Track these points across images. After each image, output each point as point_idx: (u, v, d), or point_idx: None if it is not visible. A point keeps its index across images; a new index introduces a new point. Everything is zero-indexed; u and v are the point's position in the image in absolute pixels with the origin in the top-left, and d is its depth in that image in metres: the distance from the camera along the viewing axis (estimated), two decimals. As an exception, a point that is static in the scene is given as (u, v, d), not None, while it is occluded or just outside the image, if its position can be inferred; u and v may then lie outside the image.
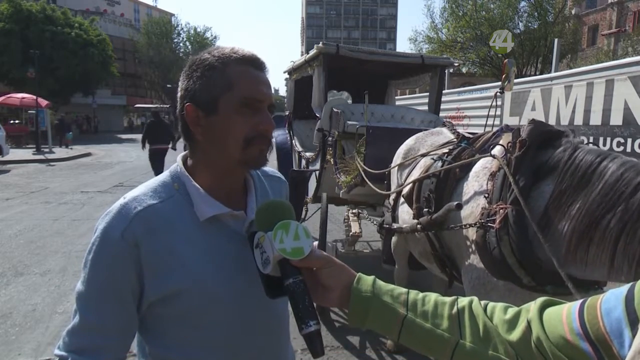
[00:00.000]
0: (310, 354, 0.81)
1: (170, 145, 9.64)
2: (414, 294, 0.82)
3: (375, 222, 3.65)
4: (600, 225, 1.46)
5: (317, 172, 4.64)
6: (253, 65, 0.95)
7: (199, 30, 44.32)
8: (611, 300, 0.63)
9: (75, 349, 0.89)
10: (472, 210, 2.05)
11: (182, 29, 44.52)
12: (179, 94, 0.97)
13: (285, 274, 0.83)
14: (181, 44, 44.35)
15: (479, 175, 2.15)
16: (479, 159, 2.21)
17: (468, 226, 2.00)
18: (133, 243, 0.88)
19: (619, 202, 1.43)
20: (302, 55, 6.17)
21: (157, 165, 9.54)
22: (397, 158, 3.25)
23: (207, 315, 0.93)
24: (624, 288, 0.63)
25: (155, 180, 0.98)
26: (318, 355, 0.80)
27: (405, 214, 2.76)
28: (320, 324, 0.81)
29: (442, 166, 2.41)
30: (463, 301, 0.81)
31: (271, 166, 1.14)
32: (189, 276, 0.90)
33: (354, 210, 5.09)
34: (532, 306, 0.75)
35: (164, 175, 0.99)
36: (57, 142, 21.02)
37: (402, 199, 2.83)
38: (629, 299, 0.60)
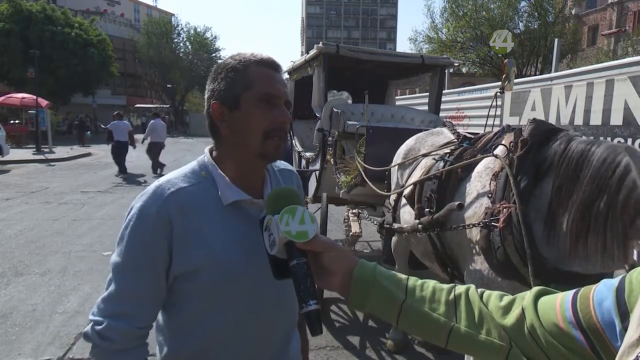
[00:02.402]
0: (311, 332, 0.86)
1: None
2: (413, 280, 0.86)
3: (375, 222, 3.65)
4: (592, 211, 1.50)
5: (317, 172, 4.64)
6: (270, 66, 1.08)
7: (199, 30, 44.19)
8: (603, 290, 0.66)
9: (110, 314, 0.98)
10: (475, 211, 2.05)
11: (182, 29, 44.46)
12: (206, 96, 1.10)
13: (290, 255, 0.87)
14: (181, 44, 44.26)
15: (482, 175, 2.14)
16: (482, 158, 2.20)
17: (471, 226, 2.00)
18: (167, 220, 0.99)
19: (605, 187, 1.47)
20: (302, 55, 6.16)
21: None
22: (398, 158, 3.24)
23: (223, 291, 1.03)
24: (616, 279, 0.65)
25: (185, 168, 1.10)
26: (316, 334, 0.85)
27: (407, 214, 2.76)
28: (319, 305, 0.85)
29: (443, 166, 2.41)
30: (460, 288, 0.84)
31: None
32: (211, 254, 1.00)
33: (354, 210, 5.08)
34: (527, 295, 0.78)
35: (193, 164, 1.11)
36: (79, 141, 22.85)
37: (403, 199, 2.83)
38: (620, 290, 0.63)
